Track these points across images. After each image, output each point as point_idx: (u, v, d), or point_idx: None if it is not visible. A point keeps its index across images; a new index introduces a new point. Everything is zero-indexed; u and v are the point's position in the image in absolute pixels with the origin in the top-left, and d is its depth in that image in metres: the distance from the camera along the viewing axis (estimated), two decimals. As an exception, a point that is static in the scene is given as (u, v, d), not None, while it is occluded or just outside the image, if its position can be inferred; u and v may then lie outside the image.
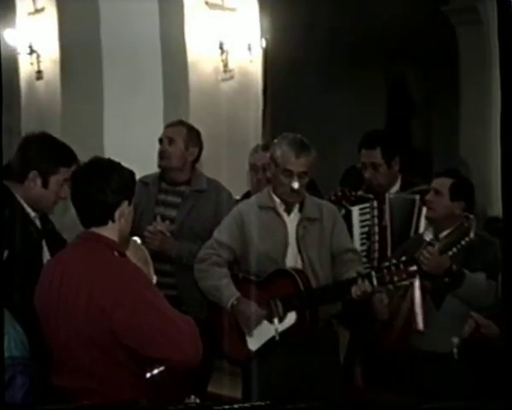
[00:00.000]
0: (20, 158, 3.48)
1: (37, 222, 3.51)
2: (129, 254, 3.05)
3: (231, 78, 6.86)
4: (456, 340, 3.72)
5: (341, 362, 4.34)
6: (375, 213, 4.53)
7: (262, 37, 7.08)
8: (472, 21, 7.63)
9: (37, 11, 7.08)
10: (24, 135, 3.65)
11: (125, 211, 2.93)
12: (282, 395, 3.73)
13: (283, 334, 3.84)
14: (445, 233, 3.93)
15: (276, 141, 3.98)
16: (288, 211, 3.97)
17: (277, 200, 3.96)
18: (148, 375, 2.86)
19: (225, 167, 5.93)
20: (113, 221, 2.91)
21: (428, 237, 4.00)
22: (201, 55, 6.68)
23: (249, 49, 6.97)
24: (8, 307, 2.80)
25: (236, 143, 6.62)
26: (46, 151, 3.47)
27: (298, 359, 3.84)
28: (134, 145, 5.83)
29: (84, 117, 6.44)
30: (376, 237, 4.51)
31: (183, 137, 4.46)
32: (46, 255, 3.43)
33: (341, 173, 6.33)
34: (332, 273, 3.97)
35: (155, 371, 2.85)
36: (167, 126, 4.64)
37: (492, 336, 3.53)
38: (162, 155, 4.48)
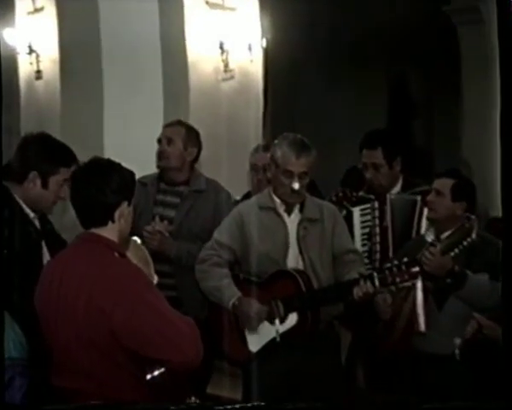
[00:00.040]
0: (19, 158, 3.47)
1: (37, 223, 3.50)
2: (129, 254, 3.04)
3: (232, 78, 6.85)
4: (458, 341, 3.71)
5: (343, 363, 4.33)
6: (377, 213, 4.52)
7: (262, 36, 7.07)
8: (473, 21, 7.62)
9: (37, 10, 7.08)
10: (23, 135, 3.64)
11: (124, 211, 2.92)
12: (283, 396, 3.72)
13: (284, 335, 3.83)
14: (446, 234, 3.92)
15: (276, 141, 3.97)
16: (289, 212, 3.96)
17: (278, 200, 3.95)
18: (149, 376, 2.84)
19: (225, 168, 5.93)
20: (113, 222, 2.90)
21: (430, 237, 3.99)
22: (201, 55, 6.67)
23: (250, 48, 6.95)
24: (8, 308, 2.79)
25: (237, 143, 6.61)
26: (46, 152, 3.46)
27: (299, 360, 3.83)
28: (134, 145, 5.82)
29: (83, 117, 6.44)
30: (377, 238, 4.50)
31: (181, 138, 4.46)
32: (45, 256, 3.43)
33: (342, 174, 6.33)
34: (333, 274, 3.96)
35: (156, 373, 2.83)
36: (166, 126, 4.63)
37: (495, 337, 3.52)
38: (161, 156, 4.47)
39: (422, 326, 3.88)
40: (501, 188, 2.49)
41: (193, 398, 3.00)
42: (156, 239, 4.24)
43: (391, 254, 4.36)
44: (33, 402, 2.78)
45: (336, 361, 4.04)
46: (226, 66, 6.81)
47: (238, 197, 4.90)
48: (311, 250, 3.90)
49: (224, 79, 6.82)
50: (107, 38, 6.25)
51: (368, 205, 4.55)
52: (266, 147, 4.57)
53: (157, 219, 4.33)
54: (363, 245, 4.49)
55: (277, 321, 3.82)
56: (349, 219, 4.45)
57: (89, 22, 6.30)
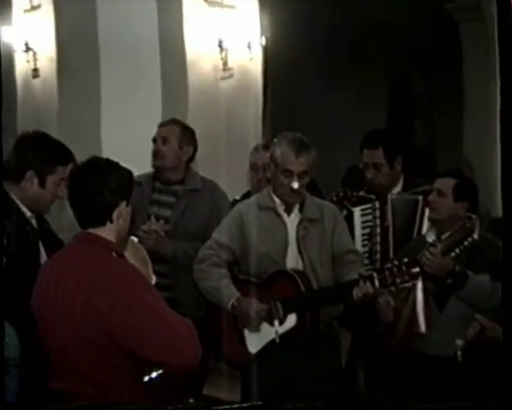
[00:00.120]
0: (16, 157, 3.45)
1: (34, 222, 3.48)
2: (127, 254, 3.05)
3: (231, 76, 6.83)
4: (460, 342, 3.69)
5: (343, 365, 4.31)
6: (377, 213, 4.51)
7: (262, 34, 7.05)
8: (475, 19, 7.60)
9: (34, 8, 7.04)
10: (19, 134, 3.61)
11: (123, 211, 2.91)
12: (283, 397, 3.69)
13: (284, 336, 3.82)
14: (447, 234, 3.89)
15: (275, 140, 3.97)
16: (289, 211, 3.94)
17: (277, 200, 3.94)
18: (147, 378, 2.83)
19: (225, 167, 5.92)
20: (111, 222, 2.89)
21: (431, 238, 3.98)
22: (200, 54, 6.64)
23: (249, 47, 6.93)
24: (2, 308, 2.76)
25: (236, 142, 6.59)
26: (43, 150, 3.45)
27: (298, 362, 3.82)
28: (132, 144, 5.79)
29: (81, 116, 6.41)
30: (378, 239, 4.49)
31: (176, 137, 4.45)
32: (42, 256, 3.41)
33: (342, 173, 6.34)
34: (333, 275, 3.94)
35: (154, 375, 2.83)
36: (161, 126, 4.62)
37: (497, 339, 3.49)
38: (156, 155, 4.47)
39: (423, 327, 3.86)
40: (501, 188, 2.48)
41: (191, 400, 3.00)
42: (152, 239, 4.24)
43: (391, 254, 4.35)
44: (25, 403, 2.76)
45: (336, 362, 4.02)
46: (225, 64, 6.79)
47: (237, 197, 4.88)
48: (310, 250, 3.89)
49: (223, 78, 6.80)
50: (104, 36, 6.23)
51: (369, 205, 4.53)
52: (266, 146, 4.57)
53: (153, 218, 4.33)
54: (364, 245, 4.48)
55: (276, 322, 3.81)
56: (350, 219, 4.44)
57: (86, 20, 6.28)
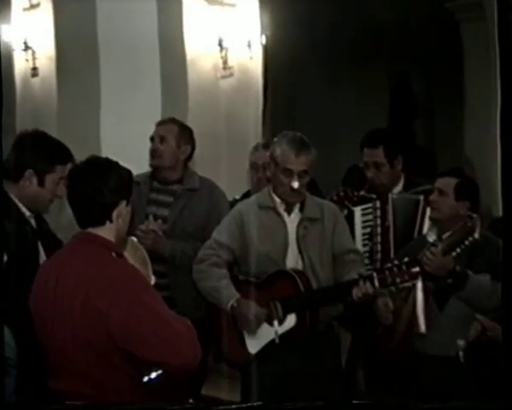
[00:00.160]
0: (14, 156, 3.44)
1: (33, 222, 3.47)
2: (127, 254, 3.04)
3: (231, 75, 6.82)
4: (461, 343, 3.68)
5: (343, 365, 4.30)
6: (378, 213, 4.51)
7: (262, 33, 7.04)
8: (476, 18, 7.58)
9: (33, 7, 7.03)
10: (18, 133, 3.60)
11: (122, 211, 2.91)
12: (282, 398, 3.69)
13: (283, 336, 3.81)
14: (448, 234, 3.88)
15: (275, 140, 3.96)
16: (289, 211, 3.94)
17: (277, 200, 3.93)
18: (146, 378, 2.82)
19: (225, 166, 5.92)
20: (111, 221, 2.89)
21: (432, 237, 3.98)
22: (200, 52, 6.64)
23: (249, 45, 6.92)
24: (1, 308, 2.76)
25: (236, 141, 6.59)
26: (42, 149, 3.44)
27: (298, 362, 3.82)
28: (131, 143, 5.77)
29: (80, 115, 6.41)
30: (379, 238, 4.49)
31: (174, 135, 4.44)
32: (41, 256, 3.40)
33: (343, 172, 6.33)
34: (333, 274, 3.94)
35: (153, 375, 2.81)
36: (158, 124, 4.61)
37: (498, 339, 3.48)
38: (154, 154, 4.46)
39: (423, 327, 3.86)
40: (501, 187, 2.48)
41: (190, 401, 2.99)
42: (150, 238, 4.22)
43: (392, 254, 4.35)
44: (23, 403, 2.75)
45: (336, 362, 4.02)
46: (225, 63, 6.77)
47: (238, 196, 4.87)
48: (310, 250, 3.88)
49: (223, 77, 6.79)
50: (104, 35, 6.21)
51: (369, 204, 4.53)
52: (266, 145, 4.56)
53: (151, 218, 4.32)
54: (365, 245, 4.48)
55: (276, 322, 3.80)
56: (350, 218, 4.43)
57: (86, 19, 6.27)
